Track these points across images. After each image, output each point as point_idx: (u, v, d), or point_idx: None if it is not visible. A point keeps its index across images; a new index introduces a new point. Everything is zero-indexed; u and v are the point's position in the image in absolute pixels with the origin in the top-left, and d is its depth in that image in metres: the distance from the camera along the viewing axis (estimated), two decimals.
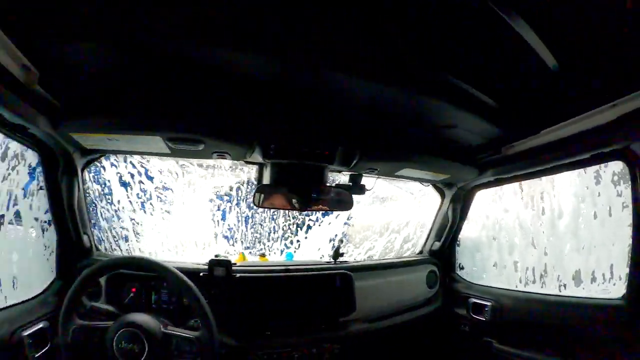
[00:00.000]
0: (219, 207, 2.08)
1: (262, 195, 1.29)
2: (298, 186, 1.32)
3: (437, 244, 2.00)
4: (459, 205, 1.93)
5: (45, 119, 1.00)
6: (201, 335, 1.10)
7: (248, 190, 2.05)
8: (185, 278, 1.15)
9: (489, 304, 1.67)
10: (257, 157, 1.27)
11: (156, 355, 1.05)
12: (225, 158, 1.32)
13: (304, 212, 2.10)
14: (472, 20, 0.80)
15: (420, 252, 2.09)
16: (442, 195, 1.96)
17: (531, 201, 1.70)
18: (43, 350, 1.15)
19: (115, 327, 1.06)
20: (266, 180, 1.34)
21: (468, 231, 2.00)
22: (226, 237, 2.07)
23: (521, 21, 0.77)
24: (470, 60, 0.95)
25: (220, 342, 1.31)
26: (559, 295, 1.47)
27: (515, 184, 1.71)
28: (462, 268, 2.02)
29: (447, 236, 1.97)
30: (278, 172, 1.31)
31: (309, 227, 2.21)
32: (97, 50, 0.84)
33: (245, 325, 1.42)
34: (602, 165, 1.30)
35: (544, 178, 1.55)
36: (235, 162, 1.49)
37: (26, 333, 1.10)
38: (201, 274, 1.38)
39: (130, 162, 1.75)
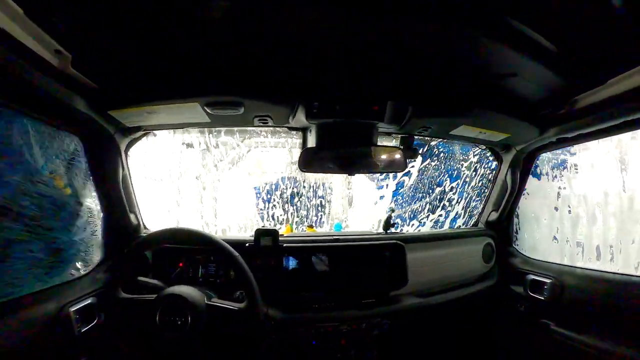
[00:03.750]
0: (268, 182, 2.05)
1: (307, 159, 1.21)
2: (345, 147, 1.23)
3: (495, 215, 1.82)
4: (518, 171, 1.73)
5: (83, 100, 1.02)
6: (245, 306, 1.07)
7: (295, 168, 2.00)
8: (229, 247, 1.12)
9: (548, 281, 1.50)
10: (301, 118, 1.19)
11: (199, 327, 1.02)
12: (267, 123, 1.26)
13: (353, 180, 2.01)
14: None
15: (476, 224, 1.93)
16: (500, 160, 1.78)
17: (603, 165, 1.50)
18: (90, 325, 1.17)
19: (158, 299, 1.05)
20: (311, 144, 1.26)
21: (529, 200, 1.81)
22: (274, 211, 2.04)
23: None
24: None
25: (266, 315, 1.28)
26: (632, 275, 1.27)
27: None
28: (520, 241, 1.83)
29: (505, 206, 1.79)
30: (323, 134, 1.22)
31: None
32: (126, 25, 0.82)
33: (292, 298, 1.37)
34: None
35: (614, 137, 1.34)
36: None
37: (74, 308, 1.13)
38: (247, 245, 1.35)
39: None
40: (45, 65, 0.83)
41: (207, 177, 1.94)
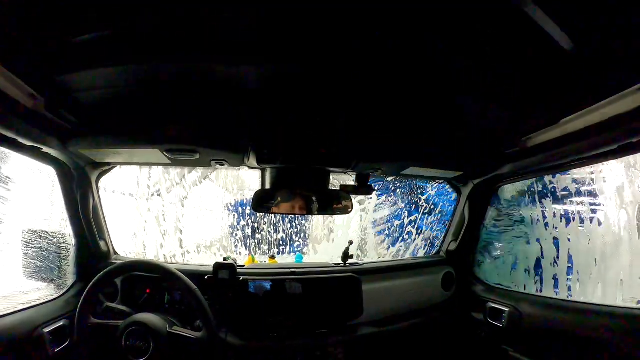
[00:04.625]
0: (236, 211, 2.12)
1: (259, 200, 1.28)
2: (296, 190, 1.30)
3: (454, 244, 1.89)
4: (477, 203, 1.80)
5: (55, 139, 1.11)
6: (203, 336, 1.15)
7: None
8: (187, 281, 1.20)
9: (507, 310, 1.55)
10: (254, 163, 1.27)
11: (161, 353, 1.11)
12: (224, 165, 1.34)
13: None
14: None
15: (437, 253, 1.99)
16: (459, 193, 1.85)
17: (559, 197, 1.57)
18: (62, 346, 1.24)
19: (124, 325, 1.13)
20: (267, 185, 1.34)
21: (490, 230, 1.88)
22: (242, 240, 2.11)
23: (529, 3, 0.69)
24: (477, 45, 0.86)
25: (224, 343, 1.36)
26: (587, 303, 1.32)
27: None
28: (481, 270, 1.90)
29: (464, 236, 1.86)
30: (276, 177, 1.30)
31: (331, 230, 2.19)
32: (95, 77, 0.91)
33: (250, 327, 1.44)
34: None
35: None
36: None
37: (47, 330, 1.20)
38: (206, 277, 1.42)
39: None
40: (20, 108, 0.90)
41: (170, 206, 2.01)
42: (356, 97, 1.05)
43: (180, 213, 2.01)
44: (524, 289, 1.68)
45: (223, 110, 1.08)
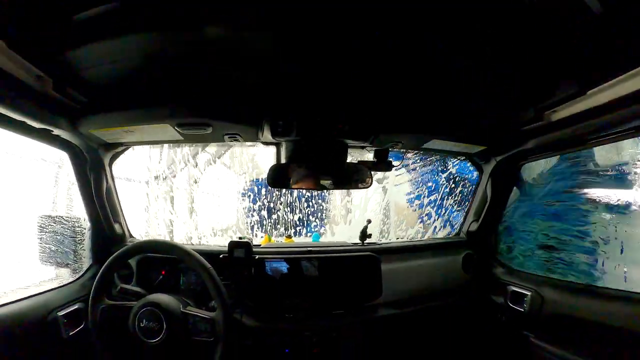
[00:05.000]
0: (252, 191, 2.08)
1: (274, 175, 1.24)
2: (313, 164, 1.25)
3: (475, 225, 1.82)
4: (500, 181, 1.72)
5: (65, 120, 1.10)
6: (216, 315, 1.12)
7: None
8: (201, 259, 1.17)
9: (528, 293, 1.48)
10: (268, 136, 1.22)
11: (174, 334, 1.09)
12: (237, 140, 1.30)
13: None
14: None
15: (457, 234, 1.92)
16: (480, 171, 1.77)
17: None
18: (77, 329, 1.24)
19: (137, 306, 1.12)
20: (283, 159, 1.29)
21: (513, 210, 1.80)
22: (258, 222, 2.08)
23: None
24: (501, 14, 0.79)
25: (239, 323, 1.34)
26: (615, 290, 1.23)
27: None
28: (503, 252, 1.82)
29: (486, 216, 1.78)
30: (291, 150, 1.24)
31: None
32: (99, 52, 0.88)
33: (265, 307, 1.41)
34: None
35: None
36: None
37: (61, 313, 1.20)
38: (221, 256, 1.39)
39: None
40: (27, 90, 0.89)
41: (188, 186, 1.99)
42: (375, 67, 0.98)
43: (194, 196, 1.99)
44: (547, 272, 1.60)
45: (235, 81, 1.03)
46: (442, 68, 1.00)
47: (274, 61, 0.94)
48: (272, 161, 1.42)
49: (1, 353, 1.02)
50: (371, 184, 1.27)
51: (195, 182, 1.98)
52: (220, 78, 1.01)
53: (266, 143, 1.38)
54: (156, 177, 1.90)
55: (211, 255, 1.30)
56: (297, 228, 2.05)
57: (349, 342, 1.46)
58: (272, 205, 2.02)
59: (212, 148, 1.96)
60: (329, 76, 1.02)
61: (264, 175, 1.97)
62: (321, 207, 2.08)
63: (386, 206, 2.17)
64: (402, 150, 1.49)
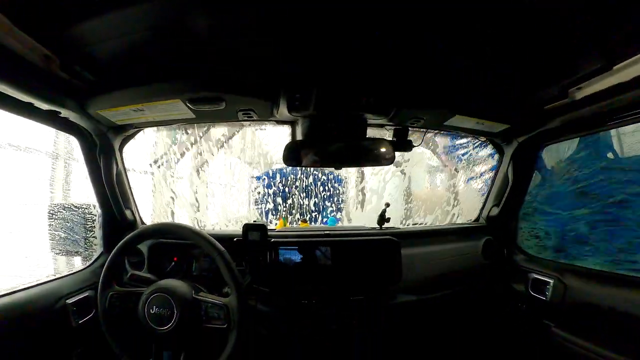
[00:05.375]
0: (267, 175, 2.04)
1: (291, 153, 1.18)
2: (331, 140, 1.19)
3: (496, 210, 1.75)
4: (521, 164, 1.65)
5: (72, 101, 1.06)
6: (230, 301, 1.06)
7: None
8: (214, 242, 1.12)
9: (551, 281, 1.41)
10: (284, 112, 1.17)
11: (185, 320, 1.03)
12: (251, 117, 1.25)
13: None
14: None
15: (477, 219, 1.86)
16: (501, 153, 1.70)
17: None
18: (87, 317, 1.21)
19: (147, 292, 1.06)
20: (299, 137, 1.24)
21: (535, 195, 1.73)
22: (273, 207, 2.03)
23: None
24: None
25: (253, 309, 1.29)
26: None
27: None
28: (523, 238, 1.75)
29: (507, 201, 1.71)
30: (308, 126, 1.19)
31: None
32: (106, 26, 0.84)
33: (280, 293, 1.36)
34: None
35: None
36: None
37: (71, 301, 1.17)
38: (235, 240, 1.34)
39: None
40: (34, 69, 0.87)
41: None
42: (400, 39, 0.92)
43: (208, 182, 1.95)
44: (570, 259, 1.53)
45: (250, 51, 0.98)
46: (466, 43, 0.95)
47: (293, 32, 0.89)
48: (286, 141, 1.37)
49: (11, 340, 0.98)
50: (394, 159, 1.20)
51: (207, 168, 1.94)
52: (235, 50, 0.96)
53: (280, 122, 1.33)
54: (157, 163, 1.86)
55: (225, 239, 1.25)
56: (313, 214, 2.00)
57: (367, 329, 1.40)
58: (287, 190, 1.96)
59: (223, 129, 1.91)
60: (350, 47, 0.96)
61: (278, 163, 1.93)
62: (337, 191, 2.02)
63: (404, 191, 2.10)
64: (422, 129, 1.43)
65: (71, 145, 1.62)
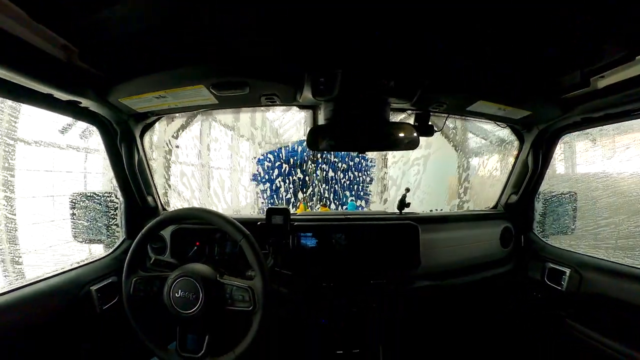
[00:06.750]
0: (287, 162, 2.03)
1: (315, 137, 1.18)
2: (354, 124, 1.19)
3: (514, 197, 1.74)
4: (541, 152, 1.63)
5: (92, 91, 1.07)
6: (254, 284, 1.07)
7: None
8: (240, 226, 1.13)
9: (567, 271, 1.41)
10: (308, 96, 1.17)
11: (211, 303, 1.05)
12: (275, 102, 1.25)
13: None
14: None
15: (495, 207, 1.85)
16: (521, 140, 1.68)
17: None
18: (111, 303, 1.24)
19: (173, 277, 1.07)
20: (321, 122, 1.24)
21: (551, 183, 1.72)
22: (293, 194, 2.03)
23: None
24: None
25: (277, 292, 1.30)
26: None
27: None
28: (541, 227, 1.75)
29: (525, 188, 1.70)
30: (331, 110, 1.19)
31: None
32: (125, 12, 0.82)
33: (301, 275, 1.38)
34: None
35: None
36: None
37: (95, 287, 1.20)
38: (259, 223, 1.36)
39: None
40: (54, 61, 0.87)
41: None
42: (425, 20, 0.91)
43: (229, 170, 1.96)
44: (589, 251, 1.51)
45: (275, 35, 0.97)
46: (491, 30, 0.93)
47: (314, 15, 0.87)
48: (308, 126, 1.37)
49: (37, 328, 1.01)
50: (418, 144, 1.20)
51: (229, 157, 1.95)
52: (256, 33, 0.94)
53: (302, 106, 1.33)
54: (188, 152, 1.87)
55: (248, 223, 1.26)
56: (334, 202, 2.00)
57: (386, 312, 1.42)
58: (307, 178, 1.96)
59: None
60: (374, 31, 0.95)
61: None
62: (357, 179, 2.02)
63: (424, 177, 2.10)
64: (443, 114, 1.42)
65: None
